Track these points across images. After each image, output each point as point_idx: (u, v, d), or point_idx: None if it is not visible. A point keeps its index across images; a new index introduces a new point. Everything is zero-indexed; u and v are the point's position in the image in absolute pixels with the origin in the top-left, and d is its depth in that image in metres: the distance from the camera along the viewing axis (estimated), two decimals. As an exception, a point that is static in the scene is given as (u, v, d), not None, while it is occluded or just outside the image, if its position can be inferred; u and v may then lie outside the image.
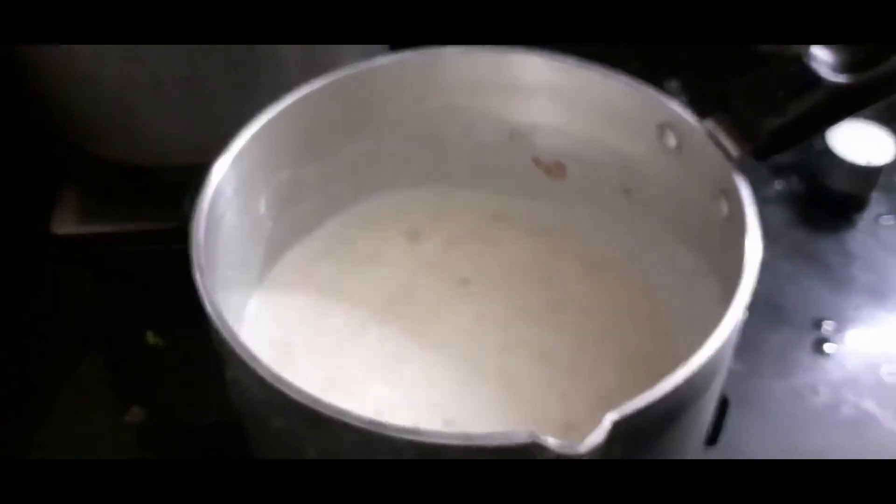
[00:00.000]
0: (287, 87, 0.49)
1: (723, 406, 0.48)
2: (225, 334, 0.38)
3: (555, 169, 0.55)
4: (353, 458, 0.37)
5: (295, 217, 0.52)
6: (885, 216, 0.67)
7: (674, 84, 0.74)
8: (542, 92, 0.51)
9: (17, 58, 0.58)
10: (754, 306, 0.40)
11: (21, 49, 0.58)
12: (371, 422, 0.35)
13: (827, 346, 0.59)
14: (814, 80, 0.44)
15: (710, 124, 0.46)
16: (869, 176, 0.66)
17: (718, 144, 0.45)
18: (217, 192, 0.44)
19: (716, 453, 0.50)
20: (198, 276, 0.40)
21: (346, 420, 0.35)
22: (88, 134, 0.59)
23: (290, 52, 0.56)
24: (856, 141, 0.66)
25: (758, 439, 0.54)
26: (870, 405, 0.56)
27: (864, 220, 0.67)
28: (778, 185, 0.68)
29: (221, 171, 0.45)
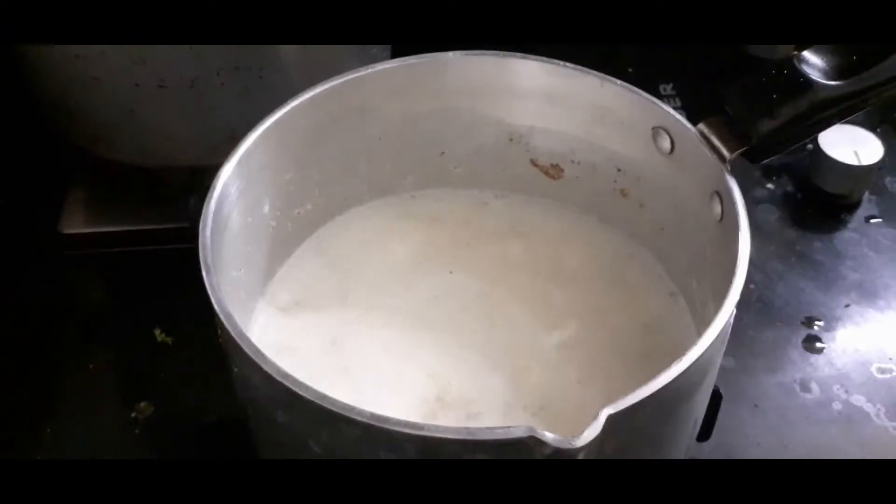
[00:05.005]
0: (289, 91, 0.49)
1: (715, 401, 0.47)
2: (231, 331, 0.39)
3: (552, 170, 0.55)
4: (354, 452, 0.38)
5: (298, 218, 0.52)
6: (875, 216, 0.67)
7: (668, 88, 0.74)
8: (540, 96, 0.52)
9: (24, 62, 0.58)
10: (747, 304, 0.41)
11: (28, 53, 0.58)
12: (372, 416, 0.36)
13: (818, 344, 0.59)
14: (806, 84, 0.44)
15: (703, 127, 0.46)
16: (859, 177, 0.66)
17: (711, 147, 0.46)
18: (223, 194, 0.45)
19: (708, 447, 0.50)
20: (205, 275, 0.41)
21: (349, 415, 0.36)
22: (95, 136, 0.59)
23: (292, 57, 0.57)
24: (846, 143, 0.66)
25: (750, 434, 0.54)
26: (861, 401, 0.56)
27: (855, 220, 0.67)
28: (770, 185, 0.68)
29: (227, 172, 0.45)
